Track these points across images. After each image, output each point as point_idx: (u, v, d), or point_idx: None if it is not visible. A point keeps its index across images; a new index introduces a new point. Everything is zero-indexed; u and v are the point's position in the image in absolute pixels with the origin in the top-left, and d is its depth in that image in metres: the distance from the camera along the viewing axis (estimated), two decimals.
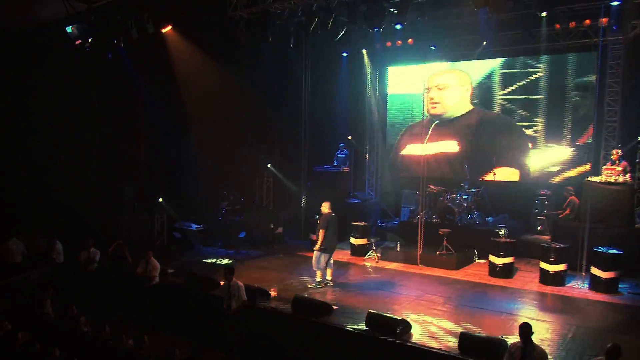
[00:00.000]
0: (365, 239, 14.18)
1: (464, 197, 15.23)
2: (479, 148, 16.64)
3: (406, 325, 8.47)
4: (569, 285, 11.63)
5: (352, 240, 14.34)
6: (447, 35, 15.79)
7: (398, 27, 13.87)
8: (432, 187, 15.84)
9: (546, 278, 11.73)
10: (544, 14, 11.85)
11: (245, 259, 13.88)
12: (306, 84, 15.38)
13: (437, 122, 17.30)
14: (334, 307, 9.65)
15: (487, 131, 16.56)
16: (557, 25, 14.35)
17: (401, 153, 18.21)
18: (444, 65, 17.25)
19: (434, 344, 8.05)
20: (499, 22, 14.73)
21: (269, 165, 16.58)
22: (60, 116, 14.58)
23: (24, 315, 9.87)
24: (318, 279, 11.44)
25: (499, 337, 7.70)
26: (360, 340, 8.31)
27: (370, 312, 8.65)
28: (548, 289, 11.39)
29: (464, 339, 7.73)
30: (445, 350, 7.69)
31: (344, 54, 17.83)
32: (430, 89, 17.10)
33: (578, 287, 11.48)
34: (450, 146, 17.13)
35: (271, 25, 11.99)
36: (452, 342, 8.02)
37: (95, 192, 14.66)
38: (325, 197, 16.36)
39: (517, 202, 15.81)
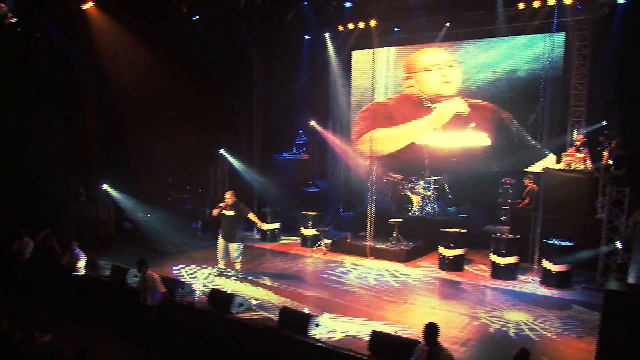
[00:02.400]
0: (315, 230, 13.50)
1: (425, 185, 14.55)
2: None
3: (320, 323, 7.82)
4: (519, 279, 10.98)
5: (303, 230, 13.70)
6: (410, 17, 15.04)
7: (348, 4, 13.33)
8: (392, 174, 15.19)
9: (496, 271, 11.10)
10: None
11: (188, 250, 13.26)
12: (258, 66, 14.68)
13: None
14: (255, 302, 9.03)
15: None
16: (522, 4, 13.63)
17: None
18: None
19: (346, 343, 7.41)
20: (463, 2, 14.07)
21: (222, 151, 15.83)
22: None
23: None
24: (239, 267, 11.03)
25: (416, 338, 7.03)
26: (268, 336, 7.70)
27: (284, 307, 8.04)
28: (497, 283, 10.75)
29: (375, 339, 7.08)
30: (352, 351, 7.03)
31: (306, 37, 17.06)
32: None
33: (529, 281, 10.84)
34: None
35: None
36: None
37: (37, 180, 13.99)
38: (284, 184, 15.94)
39: (481, 191, 15.08)
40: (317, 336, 7.55)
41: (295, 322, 7.75)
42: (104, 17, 12.72)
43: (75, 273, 10.68)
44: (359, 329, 8.01)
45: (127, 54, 13.47)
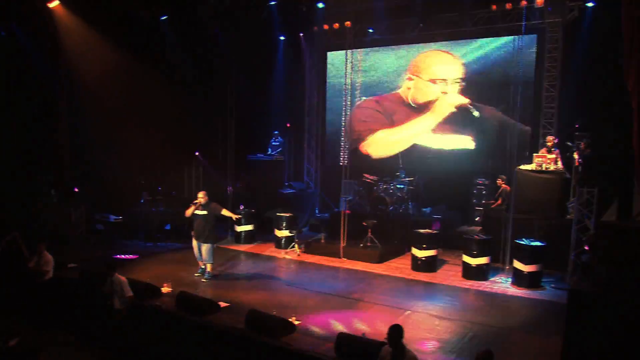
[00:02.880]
0: (289, 231, 13.43)
1: (398, 186, 14.57)
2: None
3: (288, 326, 7.76)
4: (491, 279, 11.02)
5: (277, 232, 13.62)
6: (384, 18, 15.06)
7: (320, 5, 13.33)
8: (367, 176, 15.20)
9: (468, 272, 11.13)
10: None
11: (161, 252, 13.12)
12: (233, 67, 14.59)
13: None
14: (223, 305, 8.93)
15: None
16: (494, 7, 13.77)
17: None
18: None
19: (314, 347, 7.34)
20: (436, 3, 14.11)
21: (197, 154, 15.70)
22: None
23: None
24: (210, 269, 11.01)
25: (383, 340, 6.98)
26: (235, 340, 7.61)
27: (251, 310, 7.95)
28: (469, 284, 10.77)
29: (341, 341, 7.04)
30: (318, 354, 6.98)
31: (281, 38, 17.00)
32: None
33: (500, 282, 10.88)
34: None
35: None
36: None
37: (6, 181, 13.72)
38: (260, 186, 15.85)
39: (455, 192, 15.16)
40: (284, 339, 7.49)
41: (262, 325, 7.68)
42: (72, 16, 12.50)
43: (42, 276, 10.48)
44: (327, 331, 7.97)
45: (97, 54, 13.25)
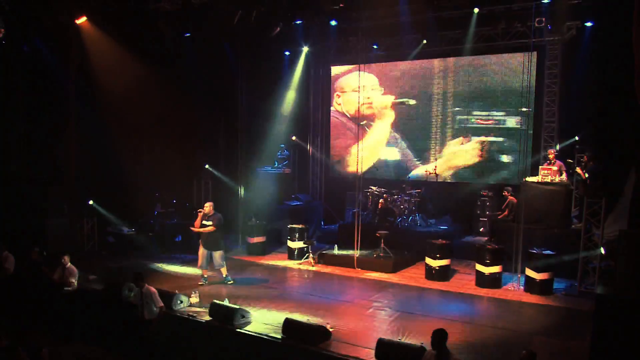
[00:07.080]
0: (302, 242, 13.71)
1: (405, 198, 14.97)
2: None
3: (325, 333, 8.04)
4: (504, 287, 11.42)
5: (289, 243, 13.88)
6: (389, 35, 15.53)
7: (333, 23, 13.75)
8: (373, 188, 15.57)
9: (482, 280, 11.50)
10: (476, 10, 11.65)
11: (176, 263, 13.29)
12: (241, 82, 14.92)
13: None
14: (254, 313, 9.17)
15: None
16: (496, 25, 14.26)
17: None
18: None
19: (351, 352, 7.64)
20: (439, 21, 14.57)
21: (207, 167, 15.93)
22: None
23: None
24: (225, 273, 11.59)
25: (419, 343, 7.32)
26: (273, 348, 7.88)
27: (287, 319, 8.22)
28: (483, 292, 11.15)
29: (381, 346, 7.34)
30: (359, 358, 7.29)
31: (286, 53, 17.38)
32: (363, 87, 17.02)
33: (513, 289, 11.28)
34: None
35: (194, 19, 11.44)
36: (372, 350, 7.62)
37: (16, 193, 13.81)
38: (267, 198, 16.11)
39: (460, 204, 15.63)
40: (321, 346, 7.76)
41: (300, 332, 7.95)
42: (93, 31, 12.70)
43: (67, 288, 10.62)
44: (362, 336, 8.27)
45: (112, 68, 13.44)
